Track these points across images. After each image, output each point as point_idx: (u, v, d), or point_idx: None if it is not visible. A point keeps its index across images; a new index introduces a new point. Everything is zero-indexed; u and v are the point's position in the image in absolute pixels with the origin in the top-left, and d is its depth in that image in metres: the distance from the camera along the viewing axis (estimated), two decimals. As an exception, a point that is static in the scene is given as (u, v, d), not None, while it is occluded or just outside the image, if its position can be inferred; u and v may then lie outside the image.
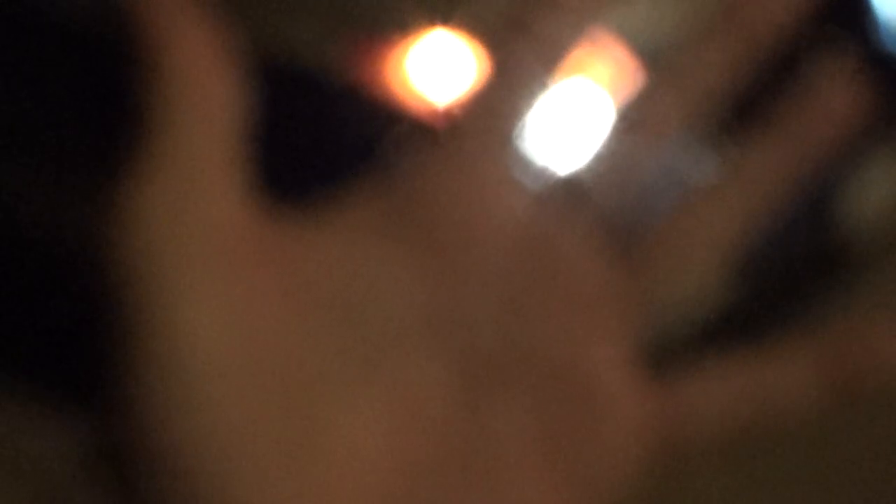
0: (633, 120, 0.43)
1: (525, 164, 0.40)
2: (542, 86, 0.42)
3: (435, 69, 0.76)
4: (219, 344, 0.35)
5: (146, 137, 0.36)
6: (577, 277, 0.41)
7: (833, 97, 0.43)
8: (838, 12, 1.25)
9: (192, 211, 0.35)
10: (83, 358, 0.36)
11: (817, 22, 0.47)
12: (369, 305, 0.38)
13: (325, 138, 0.71)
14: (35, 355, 1.04)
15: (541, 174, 0.40)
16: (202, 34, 0.37)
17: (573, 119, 0.45)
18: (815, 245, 1.20)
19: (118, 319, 0.35)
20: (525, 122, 0.40)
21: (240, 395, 0.35)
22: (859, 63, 1.21)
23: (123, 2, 0.36)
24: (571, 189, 0.41)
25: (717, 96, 0.43)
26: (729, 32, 0.43)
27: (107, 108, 0.36)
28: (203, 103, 0.36)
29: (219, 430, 0.34)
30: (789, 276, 1.03)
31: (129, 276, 0.35)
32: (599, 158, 0.43)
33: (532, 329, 0.39)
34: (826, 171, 0.45)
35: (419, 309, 0.38)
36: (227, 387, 0.35)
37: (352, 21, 0.82)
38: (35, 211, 0.99)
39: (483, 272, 0.39)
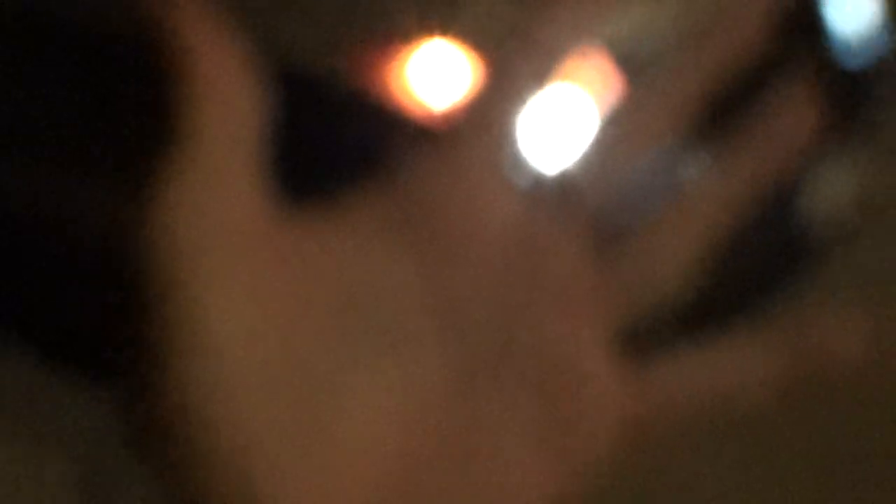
0: (617, 124, 0.42)
1: (518, 165, 0.39)
2: (535, 92, 0.41)
3: (433, 75, 0.75)
4: (238, 334, 0.34)
5: (175, 144, 0.36)
6: (564, 271, 0.41)
7: (795, 110, 0.42)
8: (798, 31, 1.25)
9: (216, 210, 0.35)
10: (122, 344, 0.36)
11: (780, 40, 0.46)
12: (375, 299, 0.37)
13: (334, 142, 0.70)
14: (80, 341, 1.03)
15: (532, 175, 0.40)
16: (224, 52, 0.36)
17: (562, 123, 0.44)
18: (778, 239, 1.20)
19: (151, 309, 0.35)
20: (518, 126, 0.39)
21: (256, 382, 0.34)
22: (817, 76, 1.21)
23: (156, 26, 0.36)
24: (560, 188, 0.40)
25: (694, 105, 0.42)
26: (705, 50, 0.42)
27: (142, 117, 0.35)
28: (225, 112, 0.36)
29: (236, 413, 0.34)
30: (755, 267, 1.02)
31: (159, 269, 0.35)
32: (586, 160, 0.42)
33: (522, 319, 0.39)
34: (788, 173, 0.45)
35: (420, 302, 0.38)
36: (244, 374, 0.34)
37: (357, 31, 0.81)
38: (77, 210, 0.98)
39: (478, 267, 0.39)
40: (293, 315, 0.36)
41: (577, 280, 0.40)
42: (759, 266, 1.10)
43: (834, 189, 1.31)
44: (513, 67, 0.41)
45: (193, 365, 0.34)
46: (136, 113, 0.39)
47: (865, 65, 1.37)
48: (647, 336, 0.41)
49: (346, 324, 0.37)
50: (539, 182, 0.41)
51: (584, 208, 0.41)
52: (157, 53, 0.36)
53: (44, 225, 1.12)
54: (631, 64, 0.70)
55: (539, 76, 0.41)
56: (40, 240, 1.16)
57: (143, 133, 0.37)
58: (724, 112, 0.46)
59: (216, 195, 0.35)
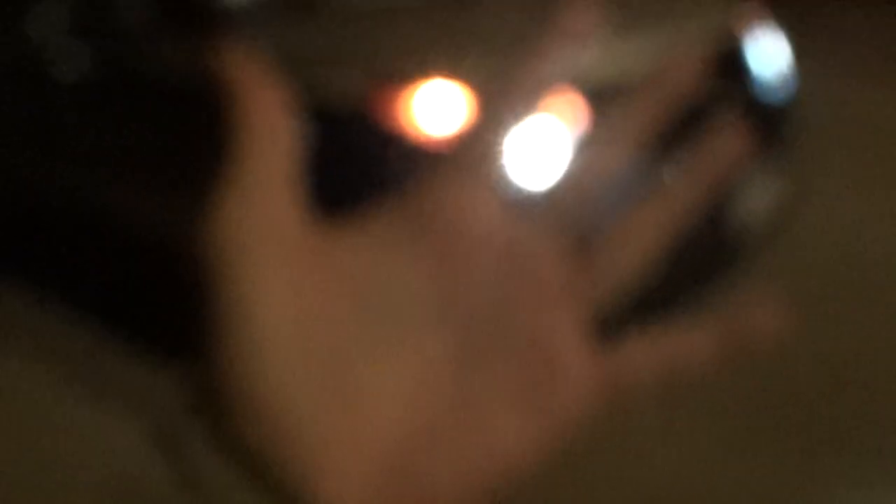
0: (587, 148, 0.41)
1: (505, 183, 0.38)
2: (519, 122, 0.40)
3: (434, 109, 0.74)
4: (279, 316, 0.35)
5: (230, 165, 0.36)
6: (544, 270, 0.39)
7: (730, 136, 0.42)
8: (727, 73, 1.25)
9: (261, 216, 0.35)
10: (188, 325, 0.36)
11: (714, 80, 0.46)
12: (389, 292, 0.37)
13: (356, 164, 0.70)
14: (153, 323, 1.02)
15: (518, 192, 0.39)
16: (271, 95, 0.37)
17: (542, 147, 0.43)
18: (715, 241, 1.20)
19: (210, 297, 0.35)
20: (505, 150, 0.39)
21: (293, 355, 0.35)
22: (743, 109, 1.21)
23: (220, 78, 0.37)
24: (541, 203, 0.40)
25: (650, 133, 0.42)
26: (657, 87, 0.41)
27: (205, 145, 0.35)
28: (270, 141, 0.36)
29: (278, 378, 0.34)
30: (696, 264, 1.02)
31: (216, 264, 0.35)
32: (562, 178, 0.42)
33: (510, 310, 0.38)
34: (724, 186, 0.45)
35: (427, 296, 0.38)
36: (284, 347, 0.34)
37: (372, 73, 0.80)
38: (155, 219, 0.98)
39: (474, 267, 0.38)
40: (324, 305, 0.35)
41: (555, 278, 0.39)
42: (700, 262, 1.10)
43: (757, 198, 1.31)
44: (501, 105, 0.41)
45: (244, 344, 0.34)
46: (202, 143, 0.40)
47: (779, 99, 1.38)
48: (613, 322, 0.40)
49: (367, 312, 0.37)
50: (523, 198, 0.40)
51: (561, 218, 0.40)
52: (220, 98, 0.37)
53: (126, 232, 1.12)
54: (597, 98, 0.70)
55: (522, 110, 0.41)
56: (123, 243, 1.15)
57: (208, 159, 0.37)
58: (673, 137, 0.46)
59: (263, 208, 0.35)
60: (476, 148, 0.39)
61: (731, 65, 1.30)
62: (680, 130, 0.49)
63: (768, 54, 1.34)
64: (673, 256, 0.48)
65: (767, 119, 1.21)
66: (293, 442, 0.34)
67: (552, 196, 0.40)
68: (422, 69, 0.79)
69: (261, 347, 0.34)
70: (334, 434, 0.34)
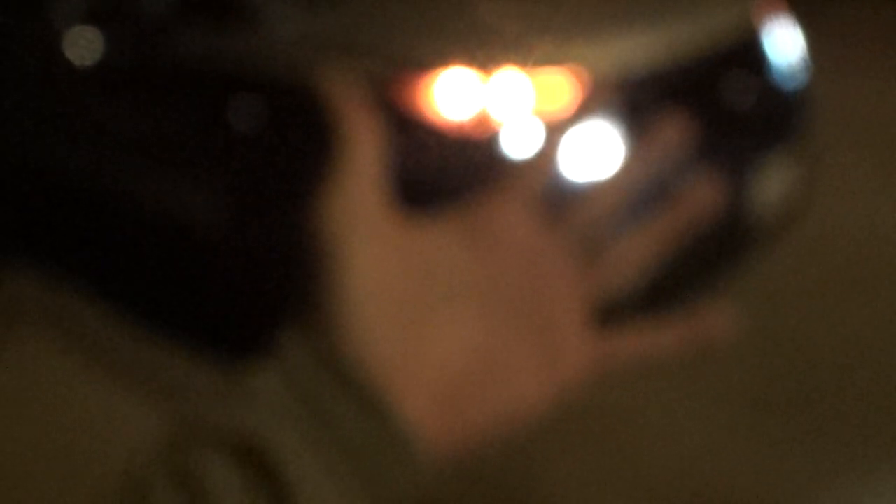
0: (635, 151, 0.51)
1: (544, 199, 0.50)
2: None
3: (453, 95, 0.74)
4: (371, 282, 0.47)
5: (336, 168, 0.48)
6: (556, 273, 0.51)
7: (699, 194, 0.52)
8: (746, 60, 1.25)
9: (359, 210, 0.47)
10: (306, 291, 0.47)
11: (733, 71, 0.49)
12: (446, 273, 0.49)
13: (427, 172, 0.73)
14: (172, 308, 1.03)
15: (551, 204, 0.51)
16: (365, 115, 0.48)
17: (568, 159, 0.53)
18: (734, 224, 1.21)
19: (321, 267, 0.47)
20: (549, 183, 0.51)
21: (381, 306, 0.47)
22: (760, 95, 1.20)
23: (327, 103, 0.48)
24: (564, 217, 0.51)
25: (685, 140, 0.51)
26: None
27: (320, 154, 0.47)
28: (365, 150, 0.48)
29: (371, 322, 0.46)
30: (713, 251, 1.02)
31: (328, 240, 0.47)
32: (601, 181, 0.50)
33: (531, 293, 0.50)
34: (739, 172, 0.48)
35: (471, 280, 0.49)
36: (375, 300, 0.47)
37: (392, 61, 0.80)
38: (168, 200, 0.99)
39: (506, 266, 0.50)
40: (402, 275, 0.48)
41: (564, 279, 0.51)
42: (716, 249, 1.10)
43: (774, 185, 1.31)
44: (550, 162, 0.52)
45: (348, 296, 0.46)
46: (320, 153, 0.50)
47: (796, 89, 1.38)
48: (608, 312, 0.51)
49: (430, 283, 0.49)
50: (554, 212, 0.51)
51: (578, 224, 0.52)
52: (326, 117, 0.48)
53: (138, 213, 1.12)
54: (625, 88, 0.71)
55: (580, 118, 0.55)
56: (136, 224, 1.15)
57: (317, 164, 0.48)
58: (694, 131, 0.52)
59: (359, 201, 0.47)
60: (525, 184, 0.52)
61: (749, 56, 1.30)
62: (702, 124, 0.51)
63: (785, 46, 1.34)
64: (691, 245, 0.52)
65: (784, 108, 1.20)
66: (381, 369, 0.46)
67: (574, 212, 0.52)
68: (440, 57, 0.79)
69: (359, 299, 0.46)
70: (408, 365, 0.47)
